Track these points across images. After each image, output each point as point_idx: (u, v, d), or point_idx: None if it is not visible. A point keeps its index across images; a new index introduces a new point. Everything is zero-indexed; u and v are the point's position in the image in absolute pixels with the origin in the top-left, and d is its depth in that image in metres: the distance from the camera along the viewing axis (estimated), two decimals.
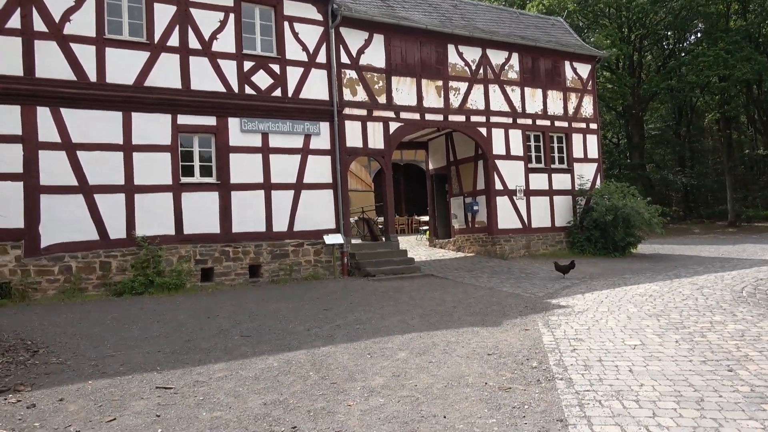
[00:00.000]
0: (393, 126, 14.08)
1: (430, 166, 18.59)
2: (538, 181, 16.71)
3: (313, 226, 12.72)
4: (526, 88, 16.57)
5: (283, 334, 7.08)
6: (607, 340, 6.38)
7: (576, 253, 16.40)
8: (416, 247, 18.64)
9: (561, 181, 17.17)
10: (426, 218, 23.53)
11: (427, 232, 19.91)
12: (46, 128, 10.18)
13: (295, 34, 12.58)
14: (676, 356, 5.55)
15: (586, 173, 17.58)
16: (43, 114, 10.15)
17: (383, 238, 14.82)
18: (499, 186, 15.98)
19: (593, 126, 17.99)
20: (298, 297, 10.05)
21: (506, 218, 16.03)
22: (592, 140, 17.94)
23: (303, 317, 8.14)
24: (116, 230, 10.67)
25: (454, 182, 17.50)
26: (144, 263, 10.66)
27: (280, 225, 12.38)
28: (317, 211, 12.78)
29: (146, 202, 10.92)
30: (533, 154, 16.81)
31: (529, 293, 10.32)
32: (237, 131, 11.96)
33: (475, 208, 16.37)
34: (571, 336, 6.63)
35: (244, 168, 11.99)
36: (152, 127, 11.04)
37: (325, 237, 12.58)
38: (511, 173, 16.22)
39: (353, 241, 14.55)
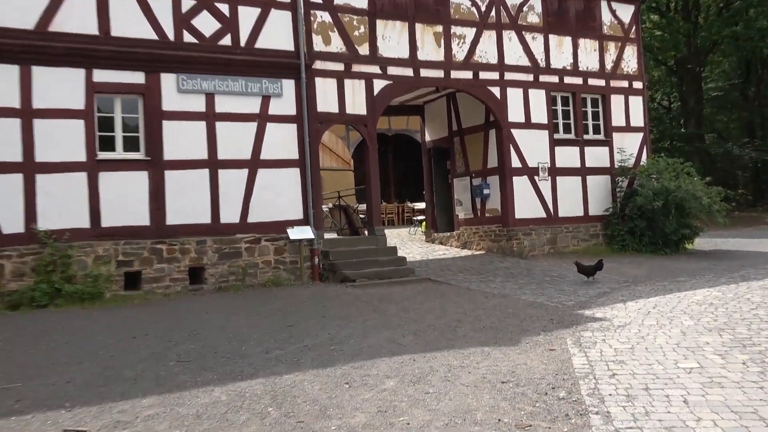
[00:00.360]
0: (378, 85, 14.09)
1: (427, 138, 18.67)
2: (567, 156, 16.85)
3: (274, 217, 12.73)
4: (550, 36, 16.66)
5: (235, 358, 7.14)
6: (655, 362, 6.47)
7: (616, 250, 16.60)
8: (409, 243, 18.78)
9: (596, 156, 17.34)
10: (422, 206, 23.57)
11: (423, 224, 20.08)
12: None
13: None
14: (743, 382, 5.63)
15: (629, 146, 17.77)
16: None
17: (365, 232, 14.88)
18: (516, 163, 16.09)
19: (637, 85, 18.16)
20: (255, 309, 10.11)
21: (526, 205, 16.15)
22: (637, 103, 18.12)
23: (261, 336, 8.20)
24: (10, 222, 10.56)
25: (459, 159, 17.60)
26: (48, 266, 10.59)
27: (230, 215, 12.40)
28: (279, 197, 12.83)
29: (51, 185, 10.82)
30: (560, 121, 16.96)
31: (555, 302, 10.42)
32: (173, 92, 11.92)
33: (486, 192, 16.49)
34: (610, 357, 6.72)
35: (182, 140, 11.95)
36: (59, 85, 10.94)
37: (289, 230, 12.61)
38: (532, 147, 16.34)
39: (327, 236, 14.60)
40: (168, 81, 11.86)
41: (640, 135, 18.09)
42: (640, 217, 16.68)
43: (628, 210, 16.91)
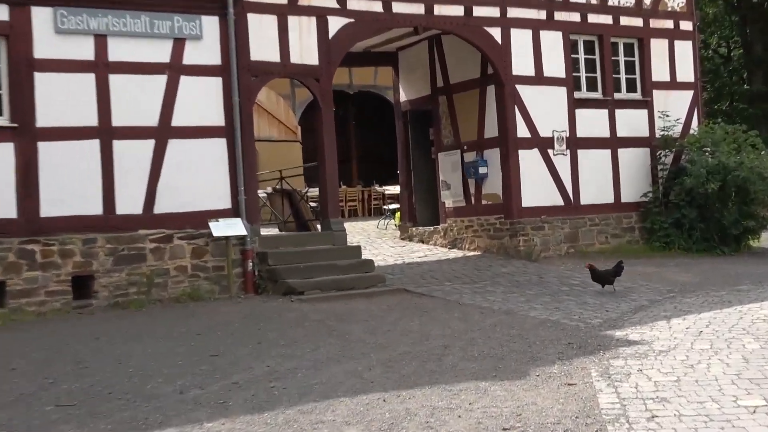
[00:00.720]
0: (335, 24, 14.02)
1: (403, 98, 18.59)
2: (592, 122, 16.92)
3: (191, 206, 12.68)
4: None
5: (137, 401, 7.05)
6: (708, 398, 6.51)
7: (657, 249, 16.67)
8: (378, 242, 18.73)
9: (631, 122, 17.41)
10: (395, 190, 23.49)
11: (398, 216, 20.04)
12: None
13: None
14: None
15: (675, 109, 17.83)
16: None
17: (318, 227, 14.70)
18: (523, 132, 16.13)
19: (686, 26, 18.29)
20: (165, 333, 10.04)
21: (536, 189, 16.19)
22: (685, 51, 18.24)
23: (173, 369, 8.12)
24: None
25: (445, 126, 17.58)
26: None
27: (129, 203, 12.32)
28: (198, 178, 12.75)
29: None
30: (583, 74, 17.03)
31: (576, 320, 10.43)
32: (48, 32, 11.74)
33: (482, 171, 16.46)
34: (648, 394, 6.75)
35: (61, 100, 11.79)
36: None
37: (212, 225, 12.57)
38: (545, 109, 16.37)
39: (264, 232, 14.51)
40: (41, 17, 11.68)
41: (690, 94, 18.22)
42: (689, 204, 16.77)
43: (674, 195, 17.02)
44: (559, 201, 16.49)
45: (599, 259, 14.91)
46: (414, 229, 18.58)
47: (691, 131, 17.90)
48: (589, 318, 10.60)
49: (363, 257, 14.13)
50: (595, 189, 16.89)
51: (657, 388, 6.92)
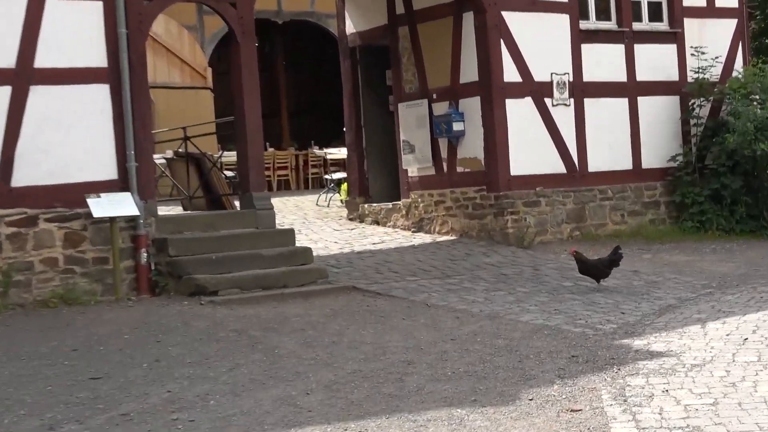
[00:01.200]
0: None
1: (350, 29, 18.64)
2: (604, 62, 17.06)
3: (62, 176, 12.65)
4: None
5: None
6: (755, 427, 6.55)
7: (689, 231, 16.85)
8: (319, 223, 18.76)
9: (655, 62, 17.57)
10: (340, 154, 23.73)
11: (344, 188, 20.15)
12: None
13: None
14: None
15: (713, 43, 17.99)
16: None
17: (236, 204, 14.66)
18: (512, 75, 16.19)
19: None
20: (30, 350, 9.87)
21: (529, 151, 16.30)
22: None
23: (41, 397, 8.05)
24: None
25: (407, 67, 17.61)
26: None
27: None
28: (71, 139, 12.74)
29: None
30: None
31: (582, 325, 10.51)
32: None
33: (457, 128, 16.50)
34: (677, 422, 6.78)
35: None
36: None
37: (91, 202, 12.48)
38: (541, 45, 16.48)
39: (163, 211, 14.64)
40: None
41: (733, 23, 18.37)
42: (731, 171, 16.95)
43: (711, 159, 17.22)
44: (559, 167, 16.61)
45: (611, 243, 14.69)
46: (366, 206, 18.61)
47: (734, 73, 18.02)
48: (599, 323, 10.62)
49: (298, 244, 14.11)
50: (608, 151, 17.01)
51: (688, 414, 6.91)
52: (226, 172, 18.21)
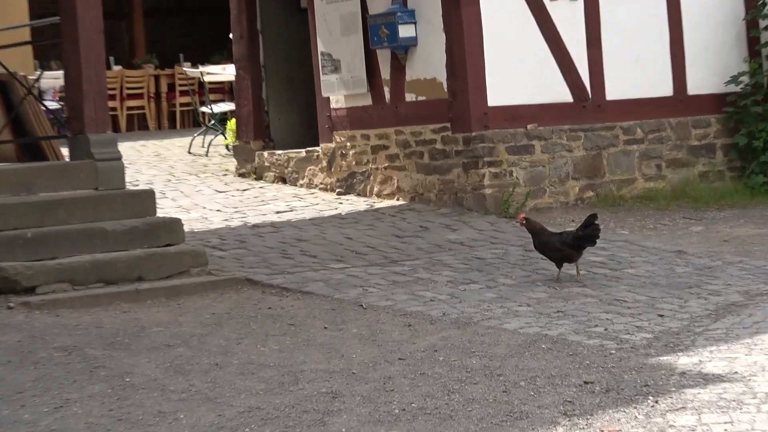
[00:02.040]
0: None
1: None
2: None
3: None
4: None
5: None
6: None
7: (762, 190, 15.31)
8: (192, 180, 17.72)
9: None
10: (224, 75, 22.41)
11: (232, 127, 18.92)
12: None
13: None
14: None
15: None
16: None
17: (63, 152, 13.55)
18: None
19: None
20: None
21: (516, 69, 14.36)
22: None
23: None
24: None
25: None
26: None
27: None
28: None
29: None
30: None
31: (600, 335, 9.34)
32: None
33: (406, 33, 14.64)
34: None
35: None
36: None
37: None
38: None
39: None
40: None
41: None
42: None
43: None
44: (562, 94, 14.59)
45: (638, 212, 13.93)
46: (266, 154, 16.97)
47: None
48: (625, 331, 9.09)
49: (160, 214, 12.43)
50: (635, 69, 14.97)
51: None
52: (47, 103, 16.59)
